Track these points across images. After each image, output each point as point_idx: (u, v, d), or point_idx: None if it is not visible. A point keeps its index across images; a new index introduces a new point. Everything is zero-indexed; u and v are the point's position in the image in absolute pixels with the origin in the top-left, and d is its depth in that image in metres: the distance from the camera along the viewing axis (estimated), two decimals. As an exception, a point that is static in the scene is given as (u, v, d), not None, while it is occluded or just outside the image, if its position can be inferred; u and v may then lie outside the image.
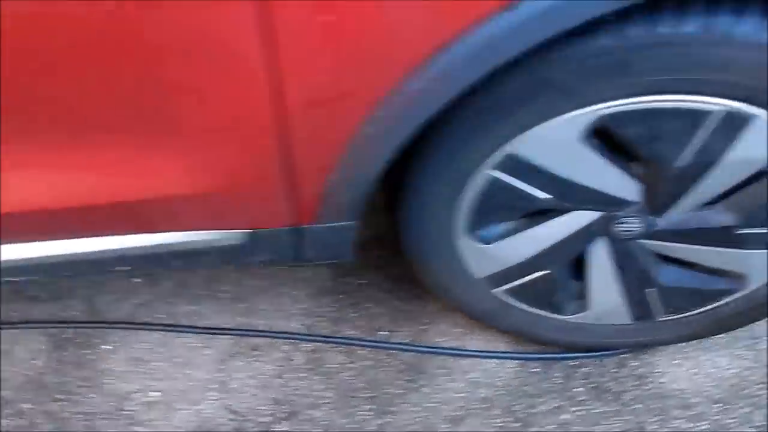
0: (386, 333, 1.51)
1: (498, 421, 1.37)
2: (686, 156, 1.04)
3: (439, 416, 1.38)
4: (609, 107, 0.98)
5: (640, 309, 1.33)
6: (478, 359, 1.47)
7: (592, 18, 0.80)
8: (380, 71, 0.84)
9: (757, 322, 1.43)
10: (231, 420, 1.38)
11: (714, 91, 0.95)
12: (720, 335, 1.48)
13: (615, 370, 1.45)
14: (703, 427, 1.35)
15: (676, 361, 1.46)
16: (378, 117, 0.89)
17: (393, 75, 0.83)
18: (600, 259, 1.25)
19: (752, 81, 0.93)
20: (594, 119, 1.00)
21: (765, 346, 1.47)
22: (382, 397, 1.41)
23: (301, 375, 1.45)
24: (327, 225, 1.06)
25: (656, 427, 1.36)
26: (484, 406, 1.40)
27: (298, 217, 1.04)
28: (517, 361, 1.46)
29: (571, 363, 1.46)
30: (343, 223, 1.07)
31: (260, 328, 1.52)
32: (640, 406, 1.40)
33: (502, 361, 1.46)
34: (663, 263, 1.25)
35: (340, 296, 1.58)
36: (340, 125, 0.89)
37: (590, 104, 0.98)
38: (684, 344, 1.48)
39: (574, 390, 1.42)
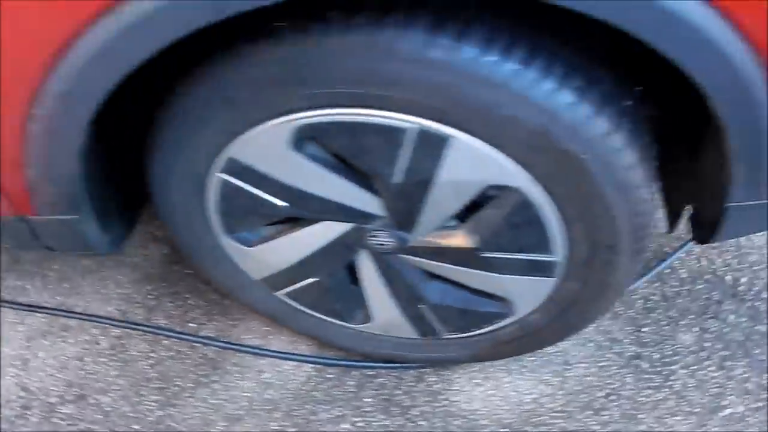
0: (195, 325, 1.51)
1: (275, 424, 1.36)
2: (400, 173, 0.99)
3: (219, 413, 1.38)
4: (303, 117, 0.94)
5: (421, 324, 1.29)
6: (278, 360, 1.45)
7: (206, 25, 0.77)
8: (15, 70, 0.83)
9: (557, 346, 1.41)
10: (20, 397, 1.41)
11: (398, 108, 0.90)
12: (531, 357, 1.44)
13: (411, 384, 1.41)
14: (480, 451, 1.31)
15: (477, 381, 1.41)
16: (38, 115, 0.88)
17: (28, 75, 0.82)
18: (368, 271, 1.22)
19: (432, 100, 0.88)
20: (296, 128, 0.97)
21: (574, 374, 1.41)
22: (171, 389, 1.41)
23: (101, 360, 1.46)
24: (50, 217, 1.07)
25: (471, 446, 1.33)
26: (266, 407, 1.38)
27: (16, 208, 1.05)
28: (315, 366, 1.44)
29: (369, 373, 1.43)
30: (67, 217, 1.07)
31: (77, 309, 1.54)
32: (425, 423, 1.36)
33: (300, 364, 1.45)
34: (429, 280, 1.21)
35: (163, 284, 1.58)
36: (4, 121, 0.89)
37: (283, 114, 0.94)
38: (490, 364, 1.43)
39: (364, 400, 1.39)
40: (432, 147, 0.94)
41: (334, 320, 1.35)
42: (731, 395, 1.37)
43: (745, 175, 0.95)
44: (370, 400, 1.39)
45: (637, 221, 0.98)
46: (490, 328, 1.26)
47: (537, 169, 0.93)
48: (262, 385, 1.42)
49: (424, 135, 0.92)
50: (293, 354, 1.45)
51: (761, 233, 1.60)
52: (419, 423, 1.36)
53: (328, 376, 1.43)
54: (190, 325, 1.52)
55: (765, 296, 1.51)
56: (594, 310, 1.16)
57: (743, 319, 1.48)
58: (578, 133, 0.87)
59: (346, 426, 1.36)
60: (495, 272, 1.12)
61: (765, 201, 1.00)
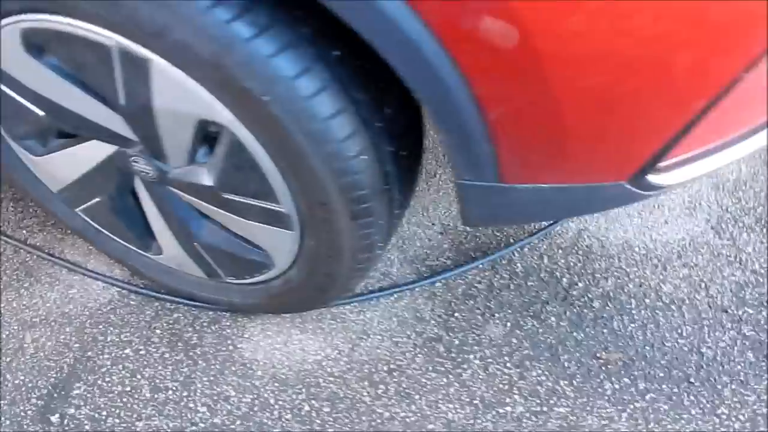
0: (26, 233, 1.55)
1: (63, 337, 1.38)
2: (123, 96, 0.98)
3: (15, 318, 1.41)
4: (21, 20, 0.94)
5: (203, 264, 1.28)
6: (89, 279, 1.47)
7: None
8: None
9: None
10: None
11: (93, 20, 0.88)
12: (332, 321, 1.41)
13: (205, 324, 1.41)
14: (245, 400, 1.30)
15: (269, 333, 1.39)
16: None
17: None
18: (145, 199, 1.21)
19: (115, 15, 0.85)
20: (20, 31, 0.96)
21: (367, 344, 1.37)
22: (-19, 287, 1.47)
23: (-70, 249, 1.53)
24: None
25: (201, 386, 1.32)
26: (60, 320, 1.41)
27: None
28: (121, 291, 1.46)
29: (169, 306, 1.43)
30: None
31: (-71, 201, 1.61)
32: (203, 363, 1.35)
33: (108, 286, 1.46)
34: (199, 217, 1.19)
35: (12, 189, 1.62)
36: None
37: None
38: (289, 319, 1.41)
39: (154, 331, 1.40)
40: (137, 69, 0.92)
41: (132, 247, 1.36)
42: (517, 395, 1.31)
43: (459, 149, 0.90)
44: (159, 332, 1.40)
45: (345, 180, 0.93)
46: (260, 278, 1.24)
47: (233, 108, 0.90)
48: (65, 300, 1.45)
49: (126, 55, 0.90)
50: (102, 275, 1.47)
51: (617, 241, 1.52)
52: (198, 362, 1.36)
53: (130, 302, 1.45)
54: (23, 231, 1.56)
55: (596, 306, 1.44)
56: (339, 275, 1.12)
57: (563, 324, 1.41)
58: (256, 72, 0.84)
59: (128, 351, 1.37)
60: (239, 216, 1.10)
61: (494, 183, 0.95)
